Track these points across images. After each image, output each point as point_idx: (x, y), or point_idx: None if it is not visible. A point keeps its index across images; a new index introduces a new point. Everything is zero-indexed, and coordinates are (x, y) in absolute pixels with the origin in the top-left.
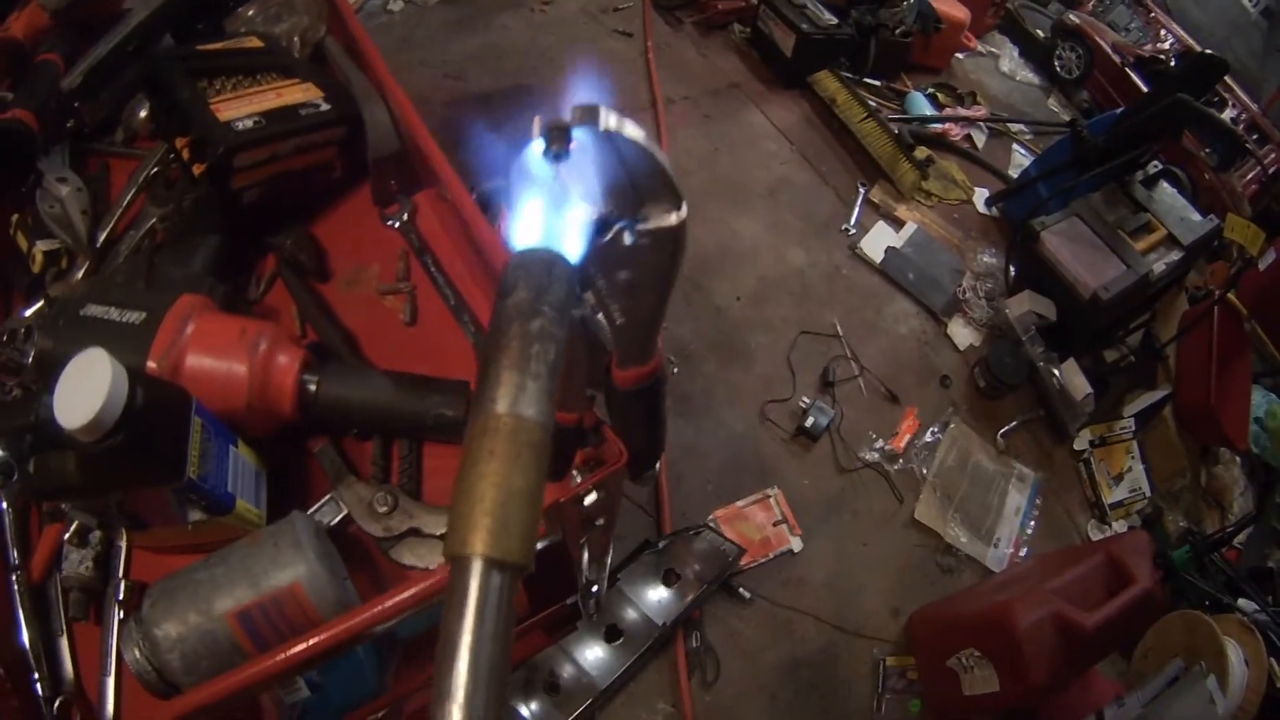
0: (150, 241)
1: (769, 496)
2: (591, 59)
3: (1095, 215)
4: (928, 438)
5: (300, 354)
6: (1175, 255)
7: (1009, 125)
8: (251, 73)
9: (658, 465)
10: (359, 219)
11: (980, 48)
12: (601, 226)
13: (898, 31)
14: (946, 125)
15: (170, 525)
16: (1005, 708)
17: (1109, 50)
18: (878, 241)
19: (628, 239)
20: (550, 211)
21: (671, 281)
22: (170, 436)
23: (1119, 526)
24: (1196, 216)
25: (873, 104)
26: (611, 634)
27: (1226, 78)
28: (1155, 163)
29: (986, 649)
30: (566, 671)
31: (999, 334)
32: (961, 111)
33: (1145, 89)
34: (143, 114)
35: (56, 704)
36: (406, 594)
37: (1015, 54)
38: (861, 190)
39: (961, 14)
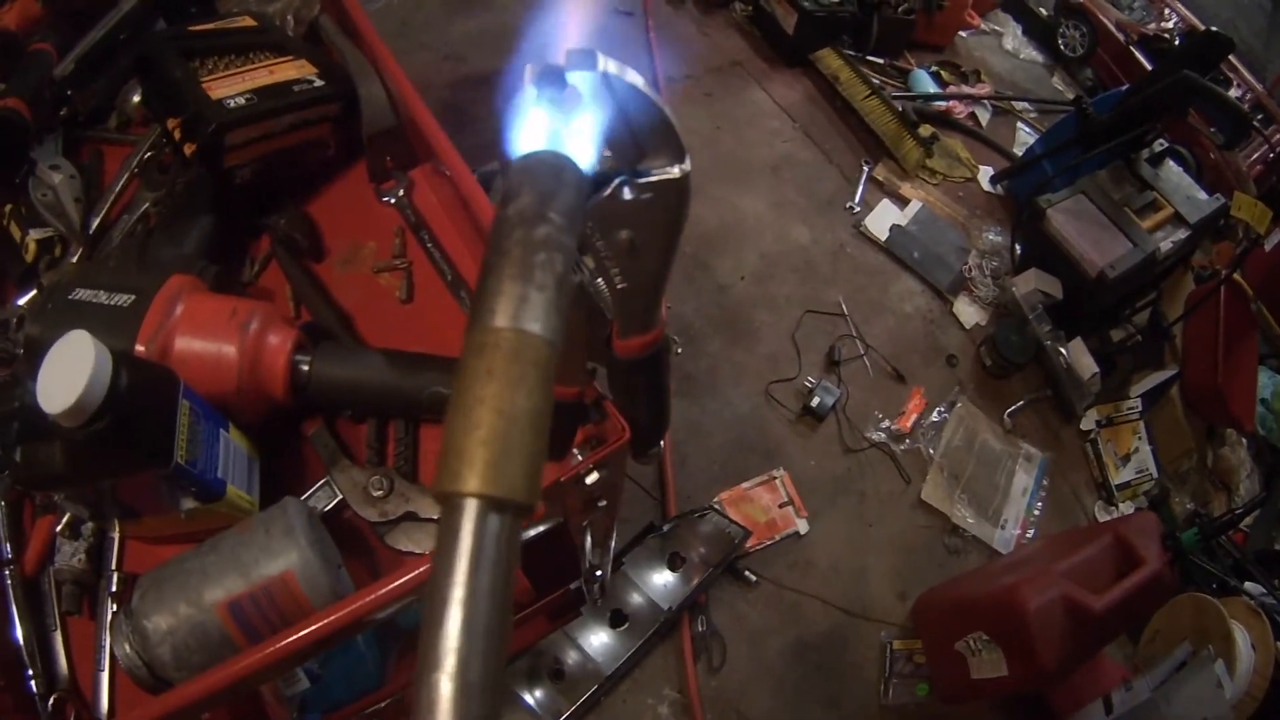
0: (144, 226)
1: (775, 478)
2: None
3: (1101, 193)
4: (934, 417)
5: (292, 334)
6: (1182, 234)
7: (1013, 103)
8: (244, 51)
9: (662, 444)
10: (354, 197)
11: (983, 25)
12: (599, 181)
13: (900, 9)
14: (950, 103)
15: (162, 514)
16: (1014, 691)
17: (1113, 28)
18: (882, 219)
19: (627, 193)
20: (557, 117)
21: (675, 240)
22: (157, 420)
23: (1126, 508)
24: (1203, 195)
25: (876, 82)
26: (616, 619)
27: (1231, 58)
28: (1161, 141)
29: (994, 632)
30: (571, 658)
31: (1005, 312)
32: (965, 89)
33: (1149, 67)
34: (136, 99)
35: (51, 701)
36: (400, 581)
37: (1019, 32)
38: (865, 168)
39: None
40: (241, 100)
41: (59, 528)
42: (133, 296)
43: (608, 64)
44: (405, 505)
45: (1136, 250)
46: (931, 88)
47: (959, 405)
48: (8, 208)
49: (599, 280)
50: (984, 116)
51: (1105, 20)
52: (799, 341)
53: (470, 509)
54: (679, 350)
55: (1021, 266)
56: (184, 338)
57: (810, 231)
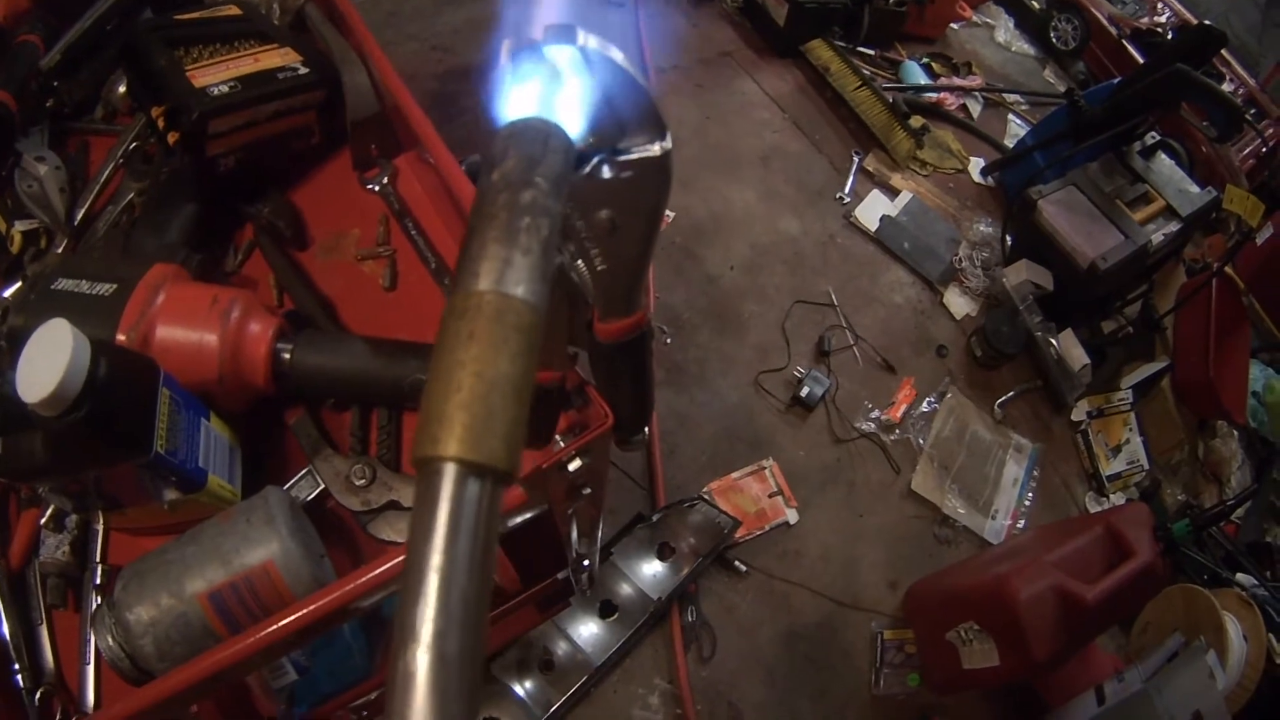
0: (128, 216)
1: (764, 468)
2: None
3: (1093, 185)
4: (924, 407)
5: (274, 322)
6: (1173, 226)
7: (1005, 95)
8: (229, 40)
9: (646, 430)
10: (339, 185)
11: (975, 18)
12: (579, 159)
13: (892, 1)
14: (941, 95)
15: (145, 505)
16: (1005, 681)
17: (1105, 22)
18: (872, 210)
19: (607, 172)
20: (544, 85)
21: (657, 220)
22: (136, 409)
23: (1117, 499)
24: (1195, 188)
25: (867, 73)
26: (606, 609)
27: (1224, 52)
28: (1153, 134)
29: (986, 622)
30: (561, 649)
31: (996, 303)
32: (957, 81)
33: (1142, 61)
34: (121, 90)
35: (38, 695)
36: (380, 570)
37: (1010, 24)
38: (856, 159)
39: None
40: (225, 88)
41: (43, 520)
42: (114, 286)
43: (588, 40)
44: (388, 494)
45: (1128, 242)
46: (923, 79)
47: (949, 396)
48: None
49: (579, 262)
50: (975, 108)
51: (1097, 14)
52: (788, 332)
53: (449, 474)
54: (668, 340)
55: (1012, 258)
56: (165, 326)
57: (800, 222)
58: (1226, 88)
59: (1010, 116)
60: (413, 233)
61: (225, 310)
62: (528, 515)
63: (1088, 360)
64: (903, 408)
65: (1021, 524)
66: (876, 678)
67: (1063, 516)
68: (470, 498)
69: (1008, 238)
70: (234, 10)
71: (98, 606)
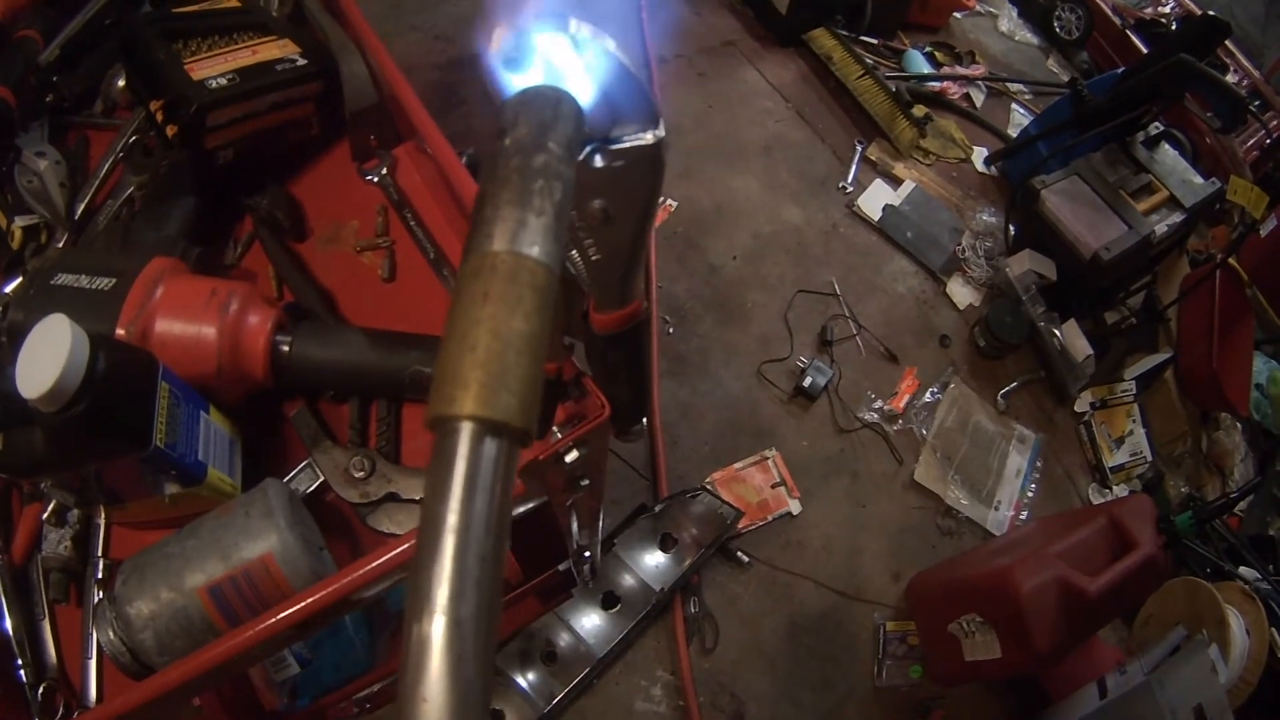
0: (128, 210)
1: (767, 458)
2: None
3: (1096, 175)
4: (927, 398)
5: (273, 314)
6: (1177, 217)
7: (1008, 85)
8: (228, 32)
9: (644, 421)
10: (337, 176)
11: (978, 7)
12: None
13: None
14: (945, 84)
15: (146, 499)
16: (1007, 673)
17: (1109, 12)
18: (875, 199)
19: (599, 161)
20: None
21: (651, 210)
22: (135, 403)
23: (1120, 490)
24: (1198, 179)
25: (870, 62)
26: (609, 601)
27: (1228, 43)
28: (1157, 124)
29: (988, 614)
30: (563, 640)
31: (999, 293)
32: (960, 70)
33: (1145, 51)
34: (120, 84)
35: (40, 690)
36: (379, 561)
37: (1014, 14)
38: (858, 148)
39: None
40: (223, 81)
41: (45, 515)
42: (113, 280)
43: (580, 28)
44: (387, 486)
45: (1131, 233)
46: (926, 68)
47: (952, 386)
48: None
49: (574, 252)
50: (978, 98)
51: (1101, 3)
52: (791, 322)
53: (465, 432)
54: (670, 330)
55: (1015, 248)
56: (164, 320)
57: (803, 211)
58: (1230, 78)
59: (1013, 106)
60: (412, 224)
61: (224, 303)
62: (528, 506)
63: (1091, 351)
64: (905, 398)
65: (1024, 515)
66: (879, 669)
67: (1065, 508)
68: (487, 456)
69: (1011, 227)
70: (232, 2)
71: (99, 601)
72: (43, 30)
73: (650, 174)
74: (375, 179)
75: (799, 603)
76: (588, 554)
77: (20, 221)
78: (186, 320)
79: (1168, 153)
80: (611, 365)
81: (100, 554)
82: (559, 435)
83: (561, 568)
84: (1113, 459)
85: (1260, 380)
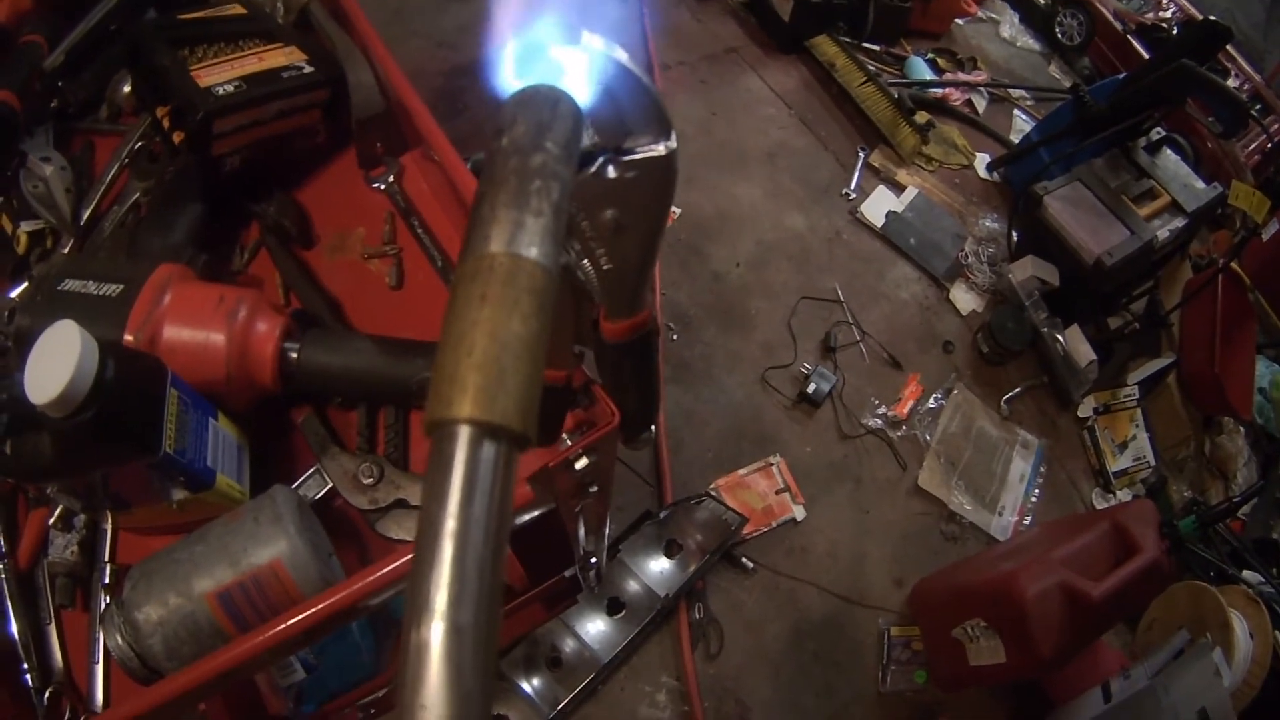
0: (134, 216)
1: (771, 464)
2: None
3: (1098, 181)
4: (931, 404)
5: (281, 321)
6: (1179, 222)
7: (1010, 91)
8: (234, 39)
9: (653, 428)
10: (344, 183)
11: (980, 13)
12: (584, 159)
13: None
14: (947, 90)
15: (153, 504)
16: (1012, 678)
17: (1110, 17)
18: (878, 206)
19: (612, 172)
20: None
21: (662, 220)
22: (144, 409)
23: (1123, 495)
24: (1200, 184)
25: (872, 68)
26: (613, 606)
27: (1229, 48)
28: (1158, 129)
29: (992, 619)
30: (568, 645)
31: (1002, 299)
32: (962, 76)
33: (1147, 56)
34: (126, 89)
35: (46, 694)
36: (388, 568)
37: (1016, 20)
38: (861, 154)
39: None
40: (230, 87)
41: (52, 520)
42: (121, 286)
43: (592, 40)
44: (395, 492)
45: (1134, 238)
46: (928, 75)
47: (956, 392)
48: None
49: (585, 261)
50: (980, 104)
51: (1103, 9)
52: (795, 328)
53: (463, 436)
54: (674, 337)
55: (1018, 253)
56: (172, 326)
57: (806, 218)
58: (1232, 83)
59: (1015, 112)
60: (419, 231)
61: (232, 310)
62: (535, 513)
63: (1094, 356)
64: (909, 404)
65: (1028, 520)
66: (883, 675)
67: (1069, 513)
68: (485, 459)
69: (1013, 233)
70: (238, 9)
71: (106, 606)
72: (48, 35)
73: (662, 184)
74: (382, 186)
75: (803, 608)
76: (594, 560)
77: (26, 227)
78: (195, 327)
79: (1169, 158)
80: (620, 373)
81: (107, 559)
82: (569, 442)
83: (567, 574)
84: (1116, 464)
85: (1263, 384)
